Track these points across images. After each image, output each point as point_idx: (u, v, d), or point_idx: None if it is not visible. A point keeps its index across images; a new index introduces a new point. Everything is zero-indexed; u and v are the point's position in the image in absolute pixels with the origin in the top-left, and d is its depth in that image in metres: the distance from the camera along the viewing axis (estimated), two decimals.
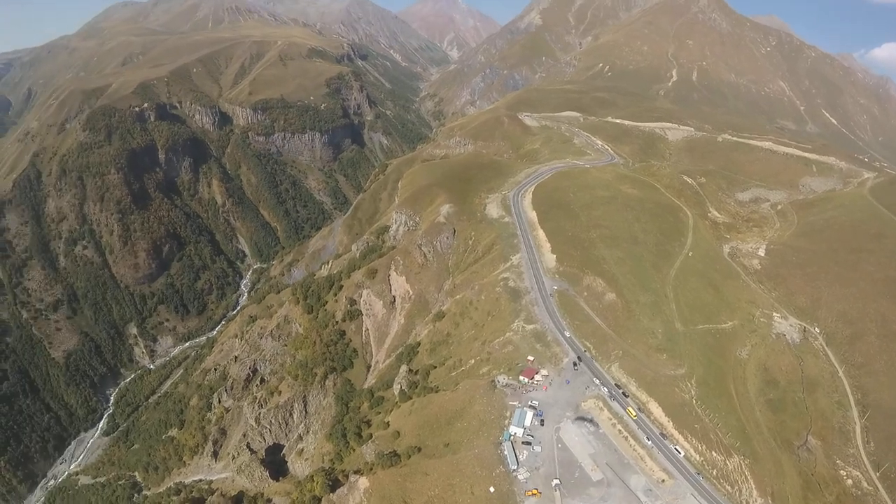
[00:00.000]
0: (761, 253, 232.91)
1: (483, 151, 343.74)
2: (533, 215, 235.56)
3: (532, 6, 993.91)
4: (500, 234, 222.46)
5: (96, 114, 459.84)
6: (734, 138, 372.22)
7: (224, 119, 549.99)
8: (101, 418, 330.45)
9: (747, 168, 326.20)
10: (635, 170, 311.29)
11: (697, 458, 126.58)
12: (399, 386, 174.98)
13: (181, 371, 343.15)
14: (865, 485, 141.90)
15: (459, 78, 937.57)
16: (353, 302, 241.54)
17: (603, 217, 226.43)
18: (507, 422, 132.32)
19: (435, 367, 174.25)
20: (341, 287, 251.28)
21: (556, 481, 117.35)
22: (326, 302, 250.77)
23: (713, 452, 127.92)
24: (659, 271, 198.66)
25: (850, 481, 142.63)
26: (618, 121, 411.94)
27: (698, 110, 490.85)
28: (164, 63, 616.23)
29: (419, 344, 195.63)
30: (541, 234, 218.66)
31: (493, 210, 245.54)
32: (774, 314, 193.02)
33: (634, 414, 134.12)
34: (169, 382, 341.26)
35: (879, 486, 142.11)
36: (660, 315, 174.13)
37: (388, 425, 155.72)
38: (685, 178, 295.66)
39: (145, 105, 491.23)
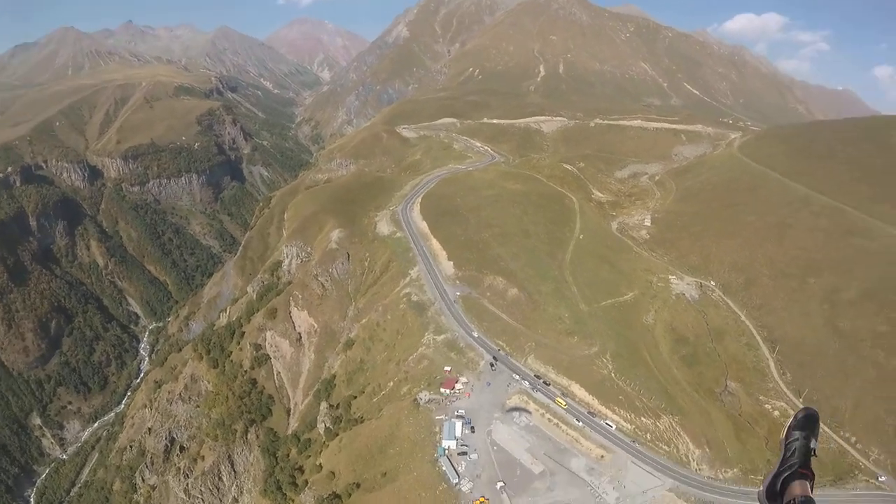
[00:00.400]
0: (647, 223, 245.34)
1: (366, 170, 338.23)
2: (424, 226, 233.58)
3: (398, 19, 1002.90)
4: (394, 250, 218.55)
5: None
6: (606, 122, 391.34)
7: (94, 173, 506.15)
8: None
9: (622, 147, 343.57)
10: (516, 165, 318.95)
11: (629, 427, 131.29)
12: (323, 424, 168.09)
13: (97, 455, 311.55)
14: (791, 412, 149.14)
15: (333, 98, 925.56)
16: (258, 347, 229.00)
17: (492, 216, 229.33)
18: (438, 437, 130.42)
19: (355, 397, 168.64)
20: (243, 333, 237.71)
21: (500, 484, 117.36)
22: (231, 352, 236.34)
23: (642, 418, 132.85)
24: (554, 259, 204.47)
25: (776, 412, 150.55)
26: (493, 121, 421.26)
27: (568, 101, 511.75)
28: (26, 120, 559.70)
29: (334, 376, 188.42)
30: (434, 243, 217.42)
31: (384, 227, 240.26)
32: (671, 277, 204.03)
33: (564, 404, 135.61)
34: (87, 470, 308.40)
35: None
36: (563, 300, 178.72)
37: (321, 467, 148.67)
38: (565, 165, 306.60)
39: (9, 169, 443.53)
